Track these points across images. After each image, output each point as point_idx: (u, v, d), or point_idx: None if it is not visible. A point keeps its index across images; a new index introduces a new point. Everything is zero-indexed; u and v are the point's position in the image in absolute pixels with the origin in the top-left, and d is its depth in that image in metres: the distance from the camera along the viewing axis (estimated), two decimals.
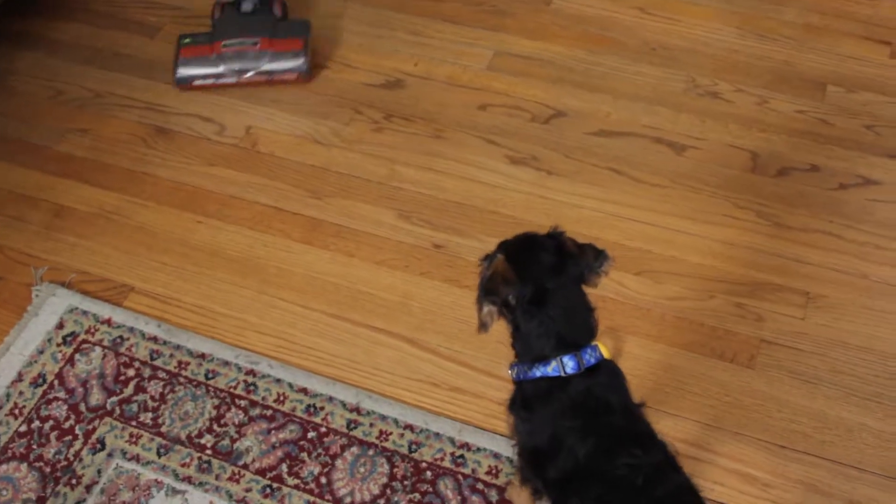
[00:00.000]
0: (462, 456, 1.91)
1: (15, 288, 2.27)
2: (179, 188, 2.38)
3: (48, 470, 1.97)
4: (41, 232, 2.36)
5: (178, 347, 2.11)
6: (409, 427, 1.95)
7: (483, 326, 1.50)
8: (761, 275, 2.15)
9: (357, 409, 1.98)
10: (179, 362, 2.09)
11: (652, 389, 1.97)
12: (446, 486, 1.88)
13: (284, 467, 1.92)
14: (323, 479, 1.90)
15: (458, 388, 2.00)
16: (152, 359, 2.10)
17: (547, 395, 1.48)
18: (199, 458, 1.95)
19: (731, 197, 2.29)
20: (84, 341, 2.14)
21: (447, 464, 1.91)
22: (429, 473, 1.90)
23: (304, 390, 2.02)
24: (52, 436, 2.02)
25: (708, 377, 1.99)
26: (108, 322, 2.17)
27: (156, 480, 1.93)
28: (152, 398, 2.05)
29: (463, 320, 2.10)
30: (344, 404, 1.99)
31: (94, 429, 2.02)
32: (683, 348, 2.04)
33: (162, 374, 2.08)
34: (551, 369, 1.47)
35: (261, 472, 1.92)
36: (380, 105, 2.56)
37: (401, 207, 2.32)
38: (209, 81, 2.58)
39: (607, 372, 1.50)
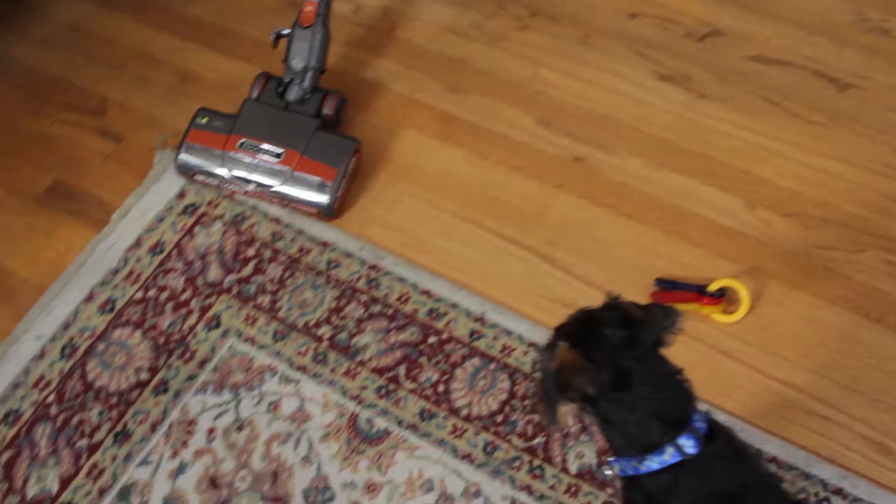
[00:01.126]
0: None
1: (137, 150, 2.21)
2: None
3: (161, 341, 1.94)
4: (165, 94, 2.29)
5: (300, 232, 2.05)
6: (534, 345, 1.88)
7: (558, 427, 1.36)
8: None
9: (481, 320, 1.91)
10: (301, 248, 2.03)
11: (792, 340, 1.87)
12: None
13: (402, 370, 1.87)
14: (441, 387, 1.85)
15: None
16: (274, 240, 2.04)
17: (674, 487, 1.29)
18: (316, 348, 1.91)
19: None
20: (204, 214, 2.08)
21: None
22: None
23: (427, 293, 1.95)
24: (168, 307, 1.98)
25: (852, 336, 1.89)
26: (231, 196, 2.10)
27: (269, 366, 1.90)
28: (271, 281, 2.00)
29: (599, 240, 2.01)
30: (468, 313, 1.92)
31: (211, 305, 1.98)
32: (828, 301, 1.93)
33: (282, 258, 2.02)
34: (669, 456, 1.28)
35: (378, 371, 1.87)
36: (525, 0, 2.41)
37: (541, 113, 2.20)
38: (211, 182, 2.10)
39: (722, 436, 1.32)
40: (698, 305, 1.89)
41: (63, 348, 1.94)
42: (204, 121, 2.08)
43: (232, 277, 2.01)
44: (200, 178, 2.09)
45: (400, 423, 1.81)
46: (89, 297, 2.00)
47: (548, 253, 2.00)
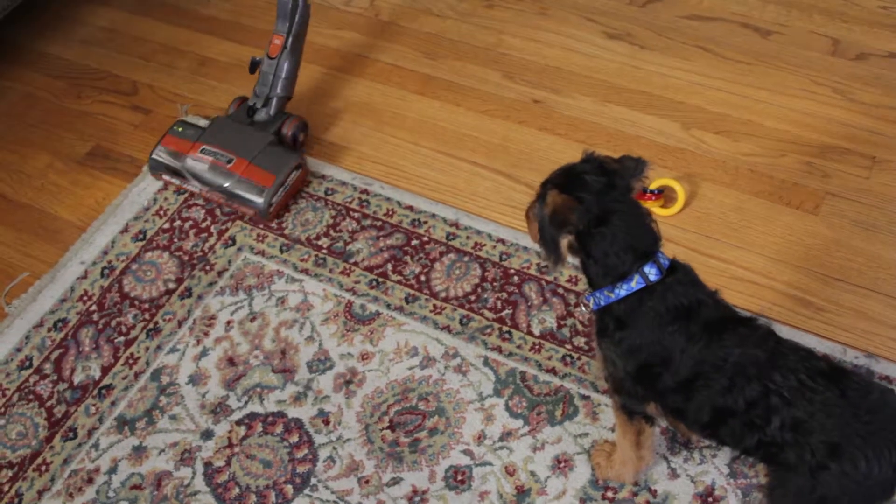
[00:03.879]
0: (546, 266, 2.15)
1: (162, 119, 2.59)
2: (307, 45, 2.66)
3: (186, 258, 2.28)
4: (187, 76, 2.68)
5: None
6: (501, 241, 2.21)
7: (560, 260, 1.51)
8: (832, 140, 2.34)
9: (456, 225, 2.24)
10: (303, 181, 2.38)
11: (722, 225, 2.18)
12: (531, 289, 2.12)
13: (389, 266, 2.20)
14: (423, 278, 2.16)
15: None
16: None
17: (638, 309, 1.51)
18: (316, 255, 2.24)
19: (811, 75, 2.48)
20: None
21: (533, 272, 2.15)
22: (516, 278, 2.14)
23: (410, 207, 2.29)
24: (191, 232, 2.33)
25: (774, 219, 2.20)
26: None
27: (277, 271, 2.22)
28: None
29: (554, 161, 2.33)
30: (445, 220, 2.25)
31: (227, 229, 2.32)
32: (753, 195, 2.24)
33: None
34: (635, 283, 1.49)
35: (368, 269, 2.20)
36: None
37: (505, 69, 2.57)
38: (175, 181, 2.37)
39: (682, 269, 1.54)
40: (641, 202, 2.20)
41: (103, 269, 2.29)
42: (179, 129, 2.38)
43: None
44: (166, 177, 2.37)
45: (388, 306, 2.13)
46: (124, 230, 2.35)
47: (511, 173, 2.34)
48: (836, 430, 1.39)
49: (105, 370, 2.12)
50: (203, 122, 2.48)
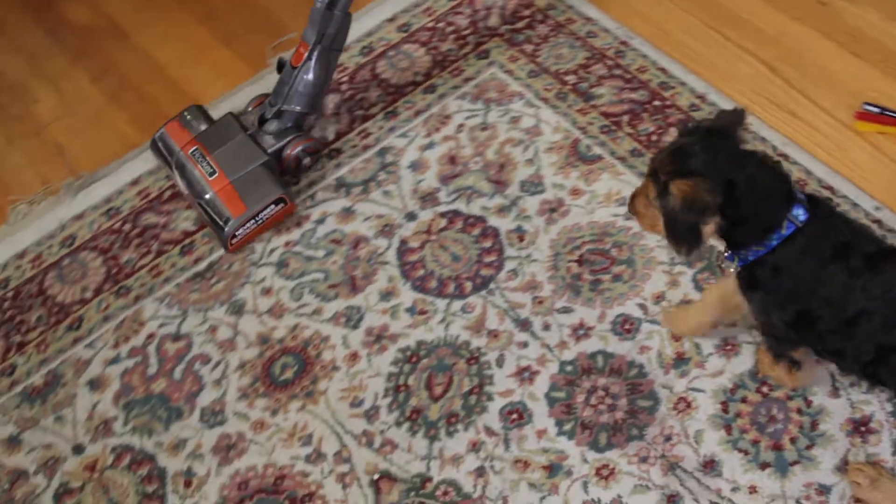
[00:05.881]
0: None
1: None
2: None
3: (439, 58, 2.39)
4: None
5: (570, 7, 2.44)
6: None
7: (700, 248, 1.48)
8: None
9: (702, 98, 2.23)
10: (569, 18, 2.42)
11: None
12: None
13: (625, 118, 2.22)
14: (654, 137, 2.18)
15: (796, 113, 2.19)
16: (547, 8, 2.44)
17: (794, 254, 1.46)
18: (560, 89, 2.29)
19: None
20: None
21: None
22: None
23: (663, 70, 2.29)
24: (451, 37, 2.43)
25: None
26: None
27: (519, 92, 2.29)
28: (538, 36, 2.40)
29: (823, 67, 2.27)
30: (693, 91, 2.25)
31: (484, 42, 2.40)
32: None
33: (551, 22, 2.42)
34: (785, 229, 1.46)
35: (605, 115, 2.23)
36: None
37: None
38: (165, 167, 2.22)
39: (823, 204, 1.51)
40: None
41: (363, 48, 2.44)
42: (187, 117, 2.20)
43: (507, 27, 2.43)
44: (159, 162, 2.24)
45: (612, 153, 2.16)
46: (391, 18, 2.48)
47: (775, 66, 2.29)
48: None
49: (340, 135, 2.27)
50: (215, 116, 2.26)
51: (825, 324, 1.50)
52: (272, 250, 2.10)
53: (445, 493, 1.75)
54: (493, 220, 2.08)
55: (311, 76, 2.10)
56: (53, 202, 2.23)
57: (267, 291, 2.04)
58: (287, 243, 2.10)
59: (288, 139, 2.14)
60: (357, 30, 2.45)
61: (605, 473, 1.73)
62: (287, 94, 2.12)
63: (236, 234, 2.05)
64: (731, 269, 1.57)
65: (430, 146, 2.22)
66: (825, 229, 1.48)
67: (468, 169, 2.17)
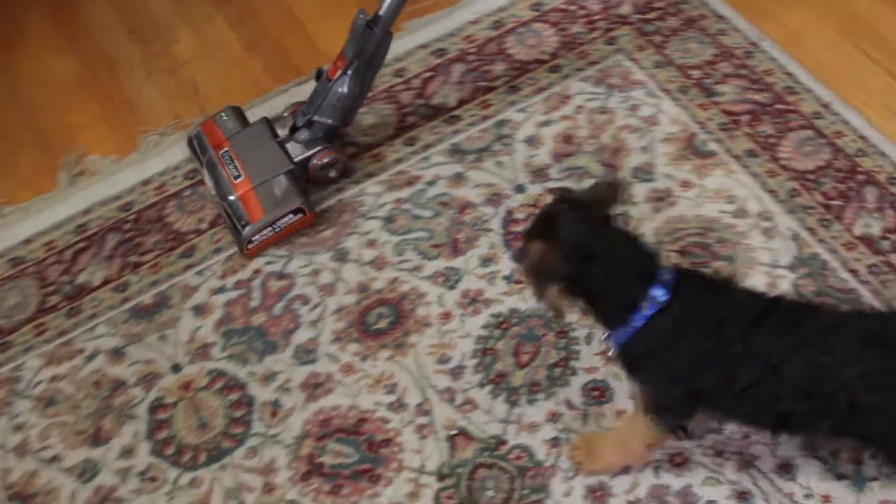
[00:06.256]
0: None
1: None
2: None
3: (568, 40, 2.42)
4: None
5: (704, 3, 2.45)
6: (864, 138, 2.15)
7: (559, 313, 1.49)
8: None
9: (827, 107, 2.21)
10: (701, 14, 2.43)
11: None
12: (870, 193, 2.07)
13: (746, 118, 2.21)
14: (772, 140, 2.17)
15: None
16: (679, 2, 2.45)
17: (662, 334, 1.45)
18: (683, 82, 2.30)
19: None
20: None
21: (881, 178, 2.09)
22: (861, 177, 2.10)
23: (789, 74, 2.28)
24: (581, 21, 2.46)
25: None
26: None
27: (642, 82, 2.31)
28: (668, 28, 2.41)
29: None
30: (818, 99, 2.22)
31: (613, 29, 2.42)
32: None
33: (683, 16, 2.43)
34: (646, 310, 1.44)
35: (725, 112, 2.23)
36: None
37: None
38: (196, 164, 2.25)
39: (690, 277, 1.50)
40: None
41: (494, 22, 2.48)
42: (224, 117, 2.22)
43: (638, 17, 2.44)
44: (191, 153, 2.26)
45: (728, 151, 2.16)
46: None
47: None
48: None
49: (461, 102, 2.33)
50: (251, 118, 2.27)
51: (717, 399, 1.51)
52: (382, 205, 2.16)
53: (518, 458, 1.78)
54: None
55: (345, 90, 2.09)
56: (182, 136, 2.34)
57: (372, 243, 2.10)
58: (398, 200, 2.16)
59: (315, 150, 2.15)
60: (491, 4, 2.50)
61: (679, 461, 1.74)
62: (320, 106, 2.11)
63: (253, 239, 2.08)
64: (613, 352, 1.55)
65: (547, 123, 2.25)
66: (693, 308, 1.45)
67: (582, 150, 2.20)
